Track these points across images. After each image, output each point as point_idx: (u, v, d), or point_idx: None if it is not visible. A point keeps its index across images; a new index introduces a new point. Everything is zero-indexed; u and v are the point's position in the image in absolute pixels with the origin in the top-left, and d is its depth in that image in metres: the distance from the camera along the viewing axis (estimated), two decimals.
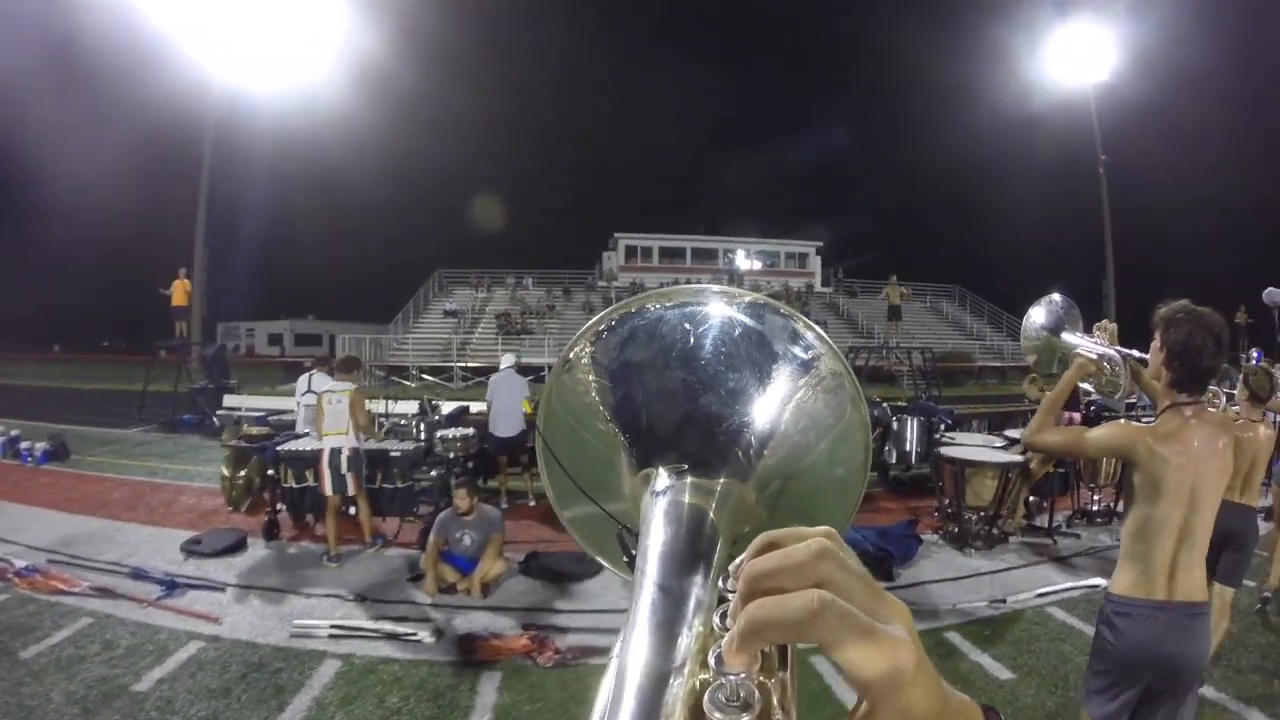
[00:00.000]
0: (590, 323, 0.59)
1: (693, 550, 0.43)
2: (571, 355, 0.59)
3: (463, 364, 24.66)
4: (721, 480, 0.49)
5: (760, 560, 0.33)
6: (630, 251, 34.01)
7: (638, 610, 0.39)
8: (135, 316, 26.55)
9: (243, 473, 7.70)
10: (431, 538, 5.35)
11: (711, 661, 0.33)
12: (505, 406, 8.16)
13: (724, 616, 0.35)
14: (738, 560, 0.36)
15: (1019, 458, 6.12)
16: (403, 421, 8.77)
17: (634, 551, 0.46)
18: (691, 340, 0.54)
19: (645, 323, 0.57)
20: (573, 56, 44.95)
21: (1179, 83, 29.58)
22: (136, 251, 28.21)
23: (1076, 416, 10.74)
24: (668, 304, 0.57)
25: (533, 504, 7.80)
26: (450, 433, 7.51)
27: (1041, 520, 6.77)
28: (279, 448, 6.75)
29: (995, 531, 6.12)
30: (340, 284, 30.20)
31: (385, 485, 6.75)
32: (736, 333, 0.54)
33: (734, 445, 0.51)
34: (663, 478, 0.50)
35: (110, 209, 31.07)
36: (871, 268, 35.93)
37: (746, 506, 0.50)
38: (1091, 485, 7.40)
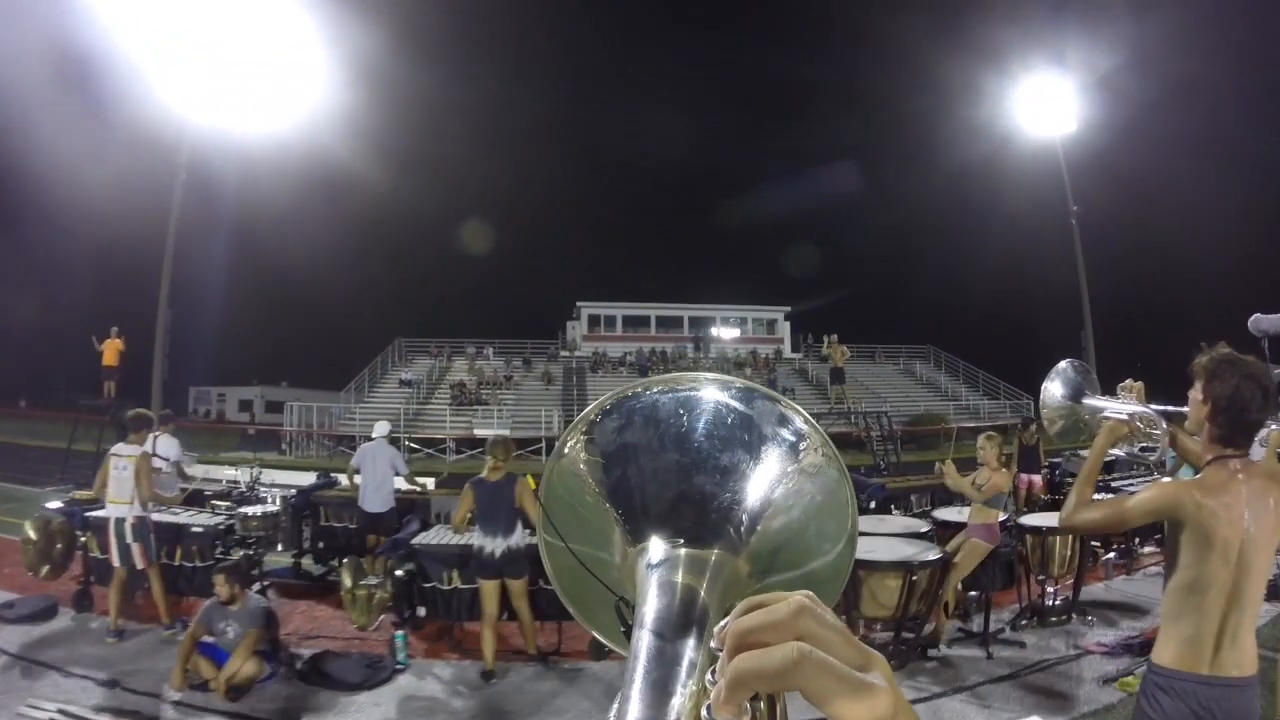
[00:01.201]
0: (590, 407, 0.61)
1: (686, 617, 0.46)
2: (571, 438, 0.61)
3: (410, 435, 23.43)
4: (715, 553, 0.51)
5: (744, 619, 0.36)
6: (593, 320, 33.17)
7: (634, 671, 0.41)
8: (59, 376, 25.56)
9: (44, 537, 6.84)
10: (191, 626, 4.94)
11: (704, 715, 0.36)
12: (373, 479, 7.39)
13: (714, 674, 0.37)
14: (723, 623, 0.38)
15: (932, 552, 4.97)
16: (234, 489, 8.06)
17: (630, 622, 0.48)
18: (685, 423, 0.57)
19: (641, 406, 0.59)
20: (544, 115, 45.12)
21: (1148, 130, 29.62)
22: (111, 311, 27.31)
23: (1037, 480, 9.57)
24: (663, 389, 0.60)
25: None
26: (250, 510, 6.65)
27: (982, 621, 5.58)
28: (87, 514, 6.31)
29: (904, 647, 4.92)
30: (316, 351, 29.24)
31: (185, 563, 6.17)
32: (728, 417, 0.57)
33: (726, 522, 0.53)
34: (658, 551, 0.52)
35: (85, 268, 30.26)
36: (841, 331, 35.14)
37: (738, 579, 0.52)
38: (1042, 577, 6.22)
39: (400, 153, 32.51)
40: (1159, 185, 29.13)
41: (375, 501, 7.25)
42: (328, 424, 24.27)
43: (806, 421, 0.57)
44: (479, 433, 23.69)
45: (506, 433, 5.81)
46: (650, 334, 32.61)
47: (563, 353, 31.47)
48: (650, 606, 0.47)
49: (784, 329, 34.53)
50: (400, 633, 5.39)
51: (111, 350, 17.38)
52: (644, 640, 0.44)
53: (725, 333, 33.62)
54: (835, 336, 22.51)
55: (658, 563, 0.51)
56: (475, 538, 5.17)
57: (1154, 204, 29.19)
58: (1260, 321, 7.90)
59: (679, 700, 0.39)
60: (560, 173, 44.86)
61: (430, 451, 22.98)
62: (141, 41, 22.06)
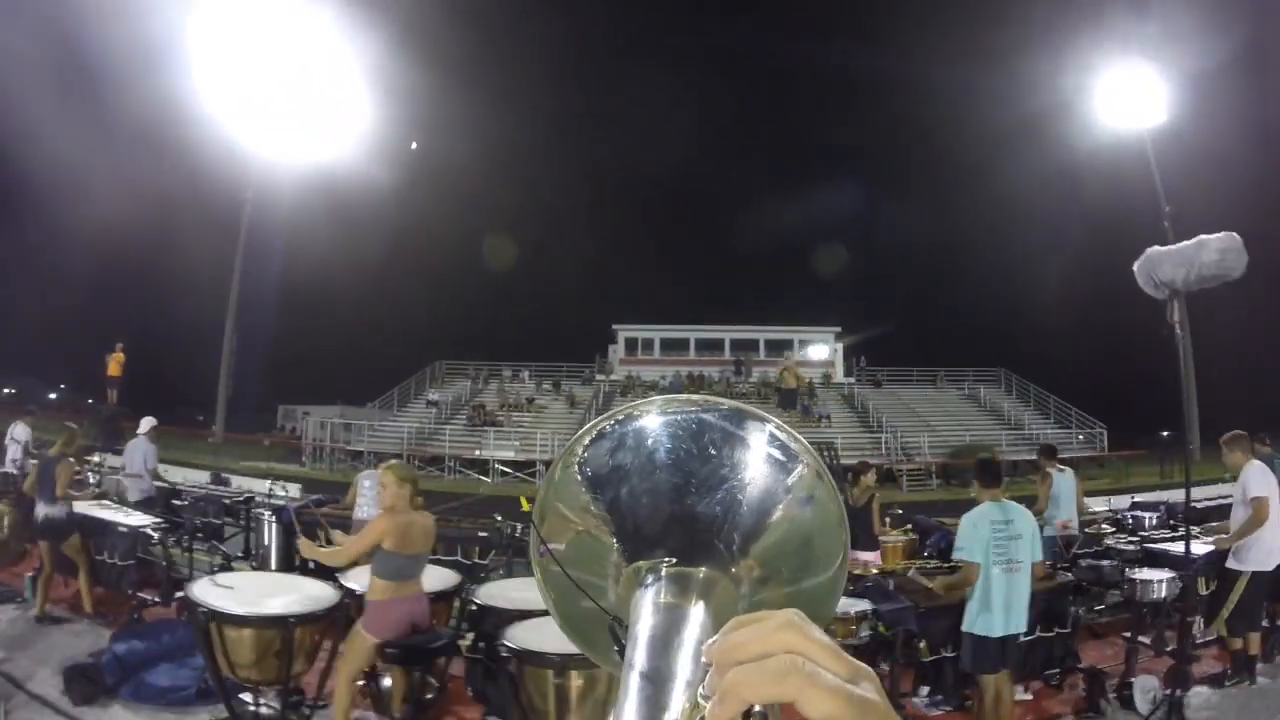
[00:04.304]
0: (582, 430, 0.62)
1: (678, 634, 0.46)
2: (564, 461, 0.61)
3: (418, 453, 23.97)
4: (706, 572, 0.52)
5: (734, 634, 0.38)
6: (630, 344, 32.52)
7: (627, 689, 0.42)
8: (168, 394, 28.33)
9: None
10: None
11: None
12: (131, 471, 8.53)
13: (705, 690, 0.38)
14: (711, 640, 0.40)
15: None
16: None
17: (624, 642, 0.49)
18: (675, 444, 0.58)
19: (633, 428, 0.60)
20: (587, 139, 45.15)
21: (1253, 118, 25.36)
22: (172, 333, 30.34)
23: (873, 559, 6.57)
24: (654, 411, 0.60)
25: None
26: None
27: None
28: None
29: None
30: (395, 373, 30.75)
31: None
32: (718, 438, 0.58)
33: (717, 541, 0.54)
34: (650, 571, 0.52)
35: (151, 288, 33.91)
36: (904, 353, 32.39)
37: (729, 597, 0.52)
38: None
39: (446, 182, 33.90)
40: (1269, 181, 24.72)
41: (134, 491, 8.25)
42: (348, 439, 25.27)
43: (797, 441, 0.58)
44: (479, 453, 23.91)
45: (74, 425, 7.34)
46: (689, 357, 31.61)
47: (598, 376, 31.20)
48: (643, 625, 0.47)
49: (836, 351, 32.33)
50: (29, 575, 6.55)
51: (115, 363, 19.16)
52: (636, 659, 0.44)
53: (770, 356, 31.89)
54: (790, 357, 20.72)
55: (650, 583, 0.51)
56: None
57: (1263, 204, 24.78)
58: (1157, 264, 4.48)
59: (672, 717, 0.40)
60: (606, 195, 44.45)
61: (431, 470, 23.37)
62: (208, 82, 24.69)
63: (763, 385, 29.45)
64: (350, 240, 32.55)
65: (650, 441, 0.58)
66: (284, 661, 3.72)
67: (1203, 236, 4.04)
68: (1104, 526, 6.65)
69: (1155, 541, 6.49)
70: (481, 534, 7.18)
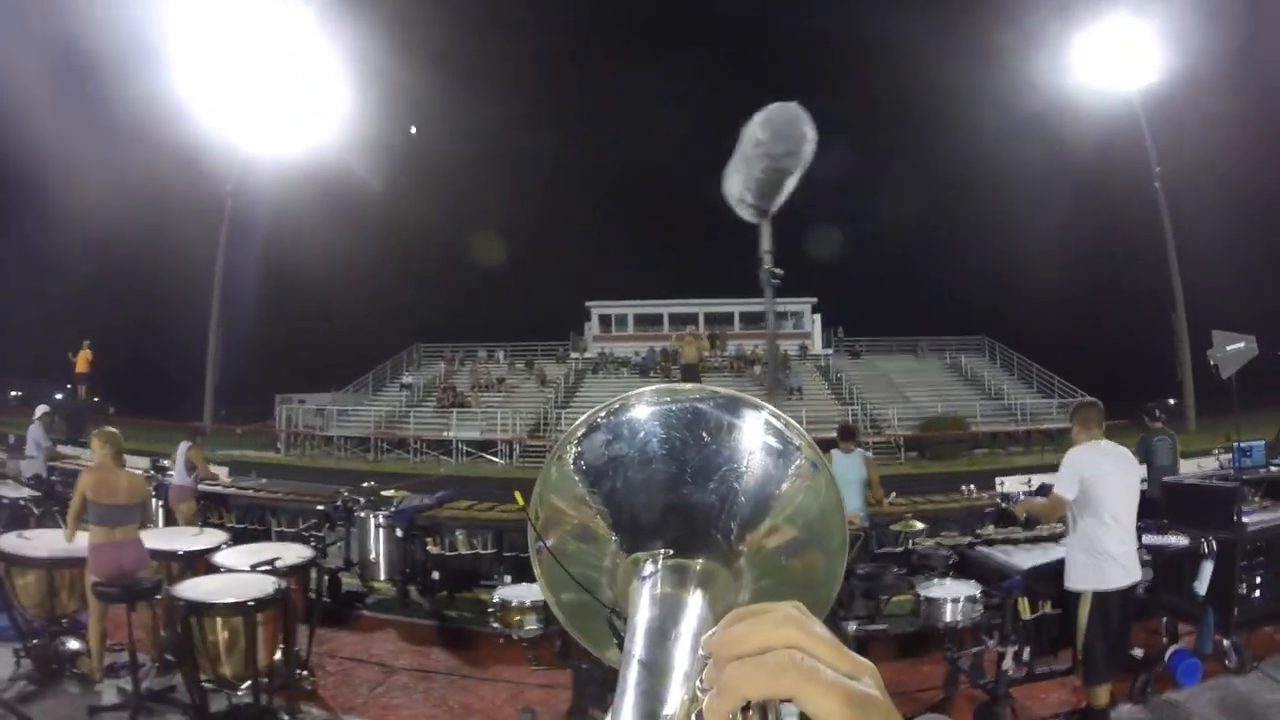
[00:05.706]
0: (577, 423, 0.61)
1: (676, 627, 0.46)
2: (559, 454, 0.61)
3: (384, 436, 23.99)
4: (701, 563, 0.52)
5: (733, 628, 0.38)
6: (604, 321, 32.20)
7: (626, 682, 0.42)
8: (165, 389, 28.59)
9: None
10: None
11: None
12: (30, 451, 9.97)
13: (703, 683, 0.38)
14: (710, 632, 0.39)
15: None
16: None
17: (623, 635, 0.49)
18: (670, 435, 0.57)
19: (627, 420, 0.59)
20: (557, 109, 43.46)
21: (1245, 74, 24.20)
22: (169, 328, 30.42)
23: None
24: (648, 402, 0.59)
25: None
26: None
27: None
28: None
29: None
30: (379, 358, 30.39)
31: None
32: (713, 428, 0.57)
33: (714, 531, 0.53)
34: (648, 564, 0.52)
35: (145, 285, 33.91)
36: (884, 322, 31.65)
37: (728, 588, 0.52)
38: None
39: (423, 168, 33.34)
40: (1260, 139, 23.60)
41: (30, 468, 9.60)
42: (321, 425, 25.32)
43: (792, 429, 0.57)
44: (445, 435, 23.83)
45: None
46: (663, 332, 31.17)
47: (572, 354, 30.94)
48: (641, 618, 0.47)
49: (811, 322, 31.73)
50: None
51: (83, 360, 19.25)
52: (635, 650, 0.44)
53: (746, 328, 31.34)
54: (691, 328, 20.20)
55: (647, 574, 0.51)
56: None
57: (1255, 161, 23.71)
58: (729, 176, 2.42)
59: (670, 710, 0.40)
60: (579, 173, 42.99)
61: (400, 452, 23.38)
62: (191, 75, 24.44)
63: (738, 359, 29.07)
64: (333, 228, 32.23)
65: (645, 433, 0.58)
66: (54, 600, 4.63)
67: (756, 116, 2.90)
68: (914, 522, 5.60)
69: (993, 542, 5.17)
70: (319, 507, 7.42)
